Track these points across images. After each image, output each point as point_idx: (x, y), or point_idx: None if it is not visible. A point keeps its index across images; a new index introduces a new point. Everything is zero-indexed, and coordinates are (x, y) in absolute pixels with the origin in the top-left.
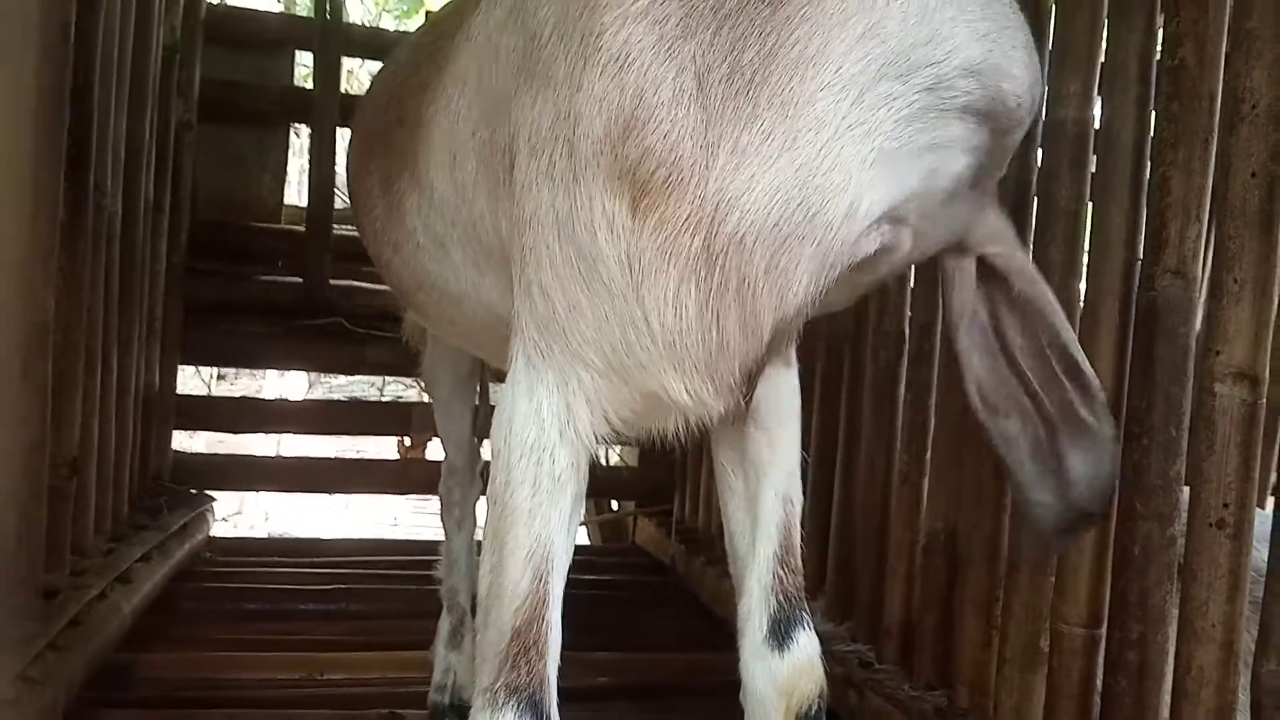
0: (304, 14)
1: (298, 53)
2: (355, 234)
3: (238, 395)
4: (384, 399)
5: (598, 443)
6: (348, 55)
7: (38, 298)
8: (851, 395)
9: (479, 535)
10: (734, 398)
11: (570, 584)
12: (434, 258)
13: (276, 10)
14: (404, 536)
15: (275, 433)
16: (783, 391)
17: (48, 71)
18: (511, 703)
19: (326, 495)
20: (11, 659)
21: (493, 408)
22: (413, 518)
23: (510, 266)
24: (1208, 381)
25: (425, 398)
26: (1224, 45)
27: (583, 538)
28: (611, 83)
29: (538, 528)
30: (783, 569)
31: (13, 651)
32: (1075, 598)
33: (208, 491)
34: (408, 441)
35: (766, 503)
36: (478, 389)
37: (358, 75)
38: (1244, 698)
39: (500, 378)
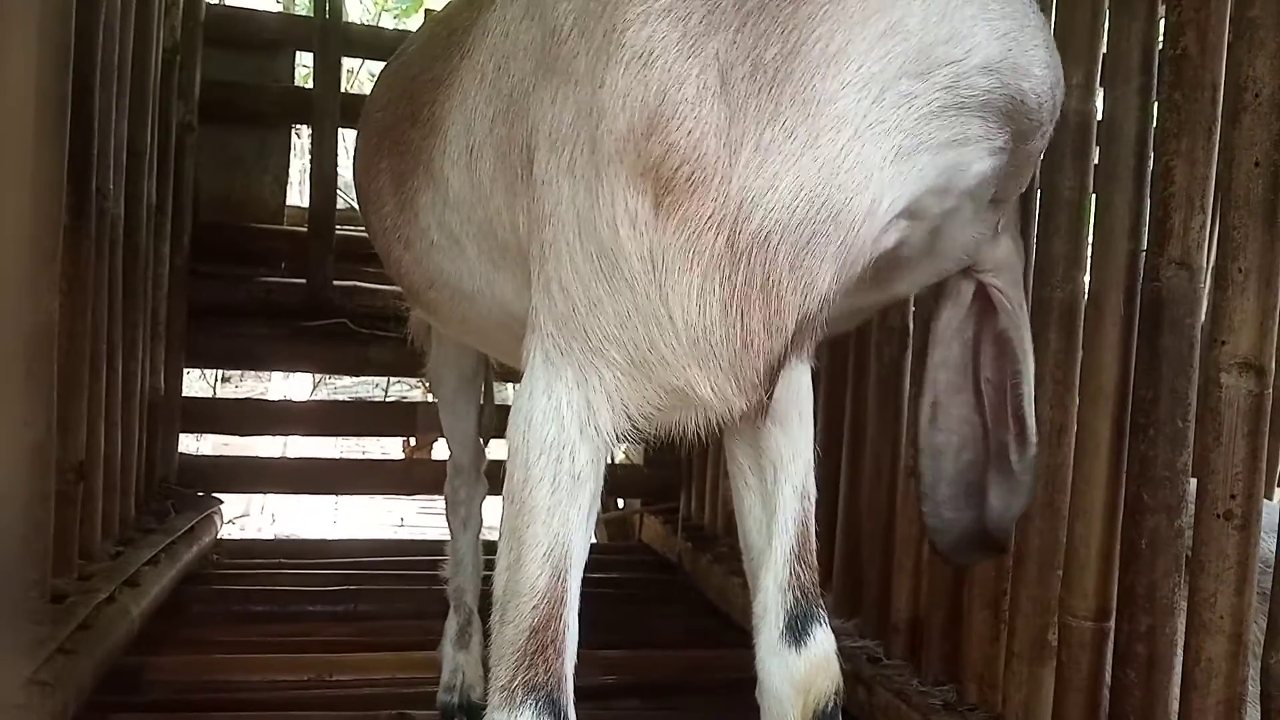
0: (303, 14)
1: (298, 53)
2: (358, 234)
3: (243, 397)
4: (388, 399)
5: (618, 440)
6: (348, 55)
7: (42, 302)
8: (856, 391)
9: (485, 534)
10: (757, 395)
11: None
12: (448, 255)
13: (275, 10)
14: (410, 537)
15: (280, 434)
16: (799, 386)
17: (49, 74)
18: (530, 701)
19: (332, 497)
20: (21, 663)
21: (497, 407)
22: (419, 518)
23: (527, 263)
24: (1213, 372)
25: (430, 398)
26: (1226, 34)
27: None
28: (635, 79)
29: (556, 526)
30: (799, 564)
31: (22, 656)
32: (1083, 591)
33: (214, 494)
34: (413, 442)
35: (784, 498)
36: (483, 388)
37: (358, 75)
38: (1253, 689)
39: (506, 376)
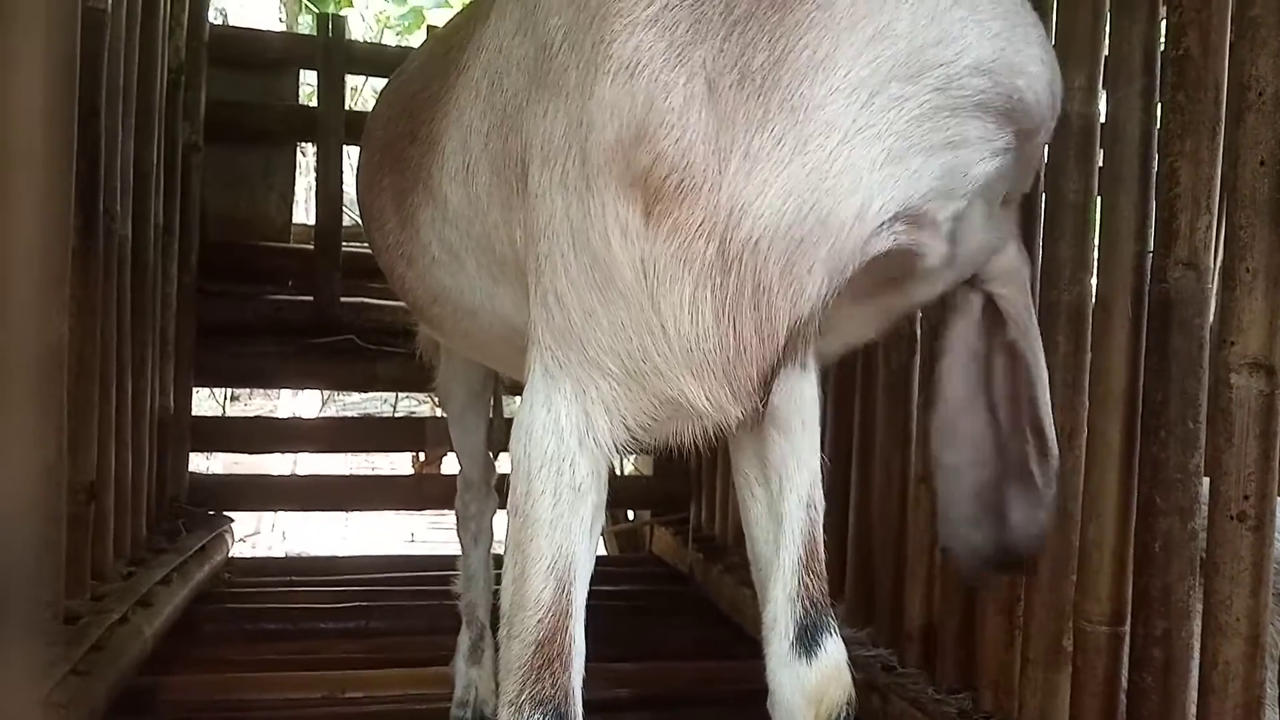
0: (307, 33)
1: (302, 71)
2: (364, 251)
3: (252, 415)
4: (397, 415)
5: (617, 451)
6: (351, 73)
7: (51, 323)
8: (865, 399)
9: (496, 549)
10: (752, 402)
11: (588, 595)
12: (448, 270)
13: (279, 30)
14: (421, 552)
15: (290, 452)
16: (803, 396)
17: (56, 98)
18: (537, 715)
19: (343, 514)
20: (35, 685)
21: (507, 421)
22: (429, 533)
23: (525, 277)
24: (1223, 373)
25: (439, 412)
26: (1228, 34)
27: (600, 549)
28: (622, 90)
29: (559, 538)
30: (808, 575)
31: (36, 678)
32: (1097, 595)
33: (225, 513)
34: (422, 457)
35: (790, 509)
36: (491, 402)
37: (362, 92)
38: (1272, 692)
39: (515, 390)
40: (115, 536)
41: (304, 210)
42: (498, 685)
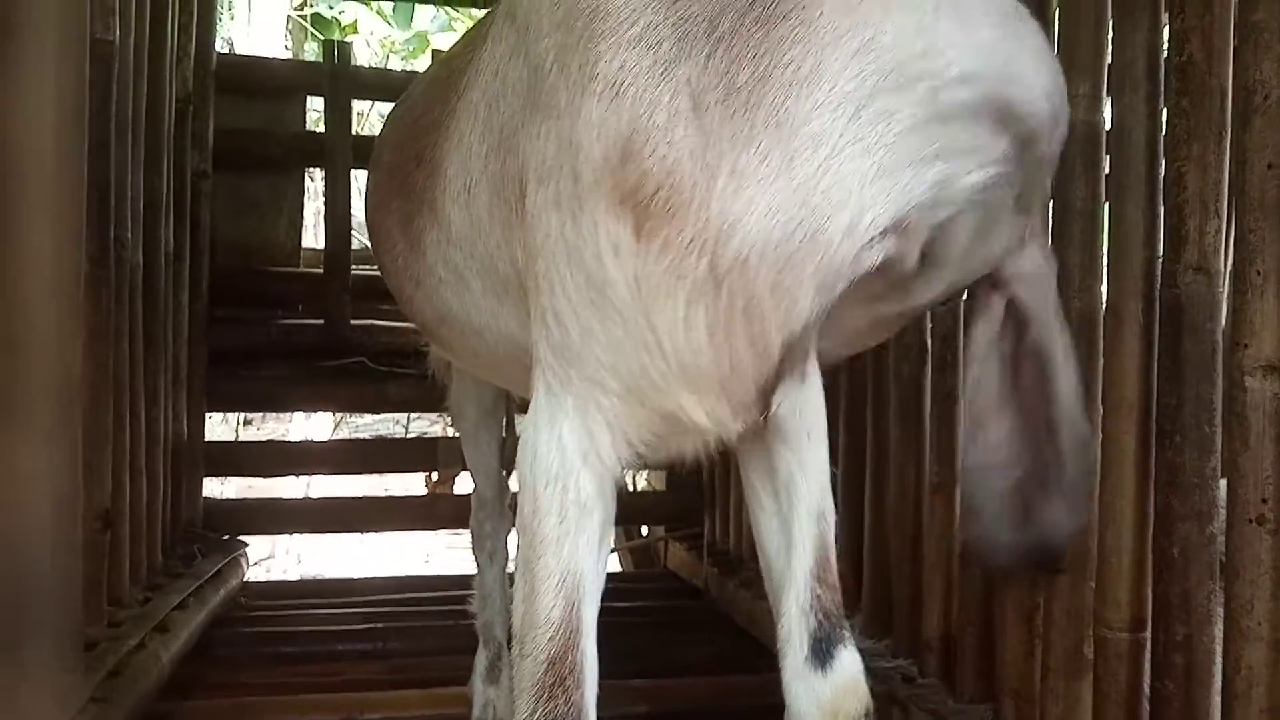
0: (313, 59)
1: (308, 97)
2: (373, 273)
3: (265, 439)
4: (409, 435)
5: (621, 467)
6: (358, 98)
7: (64, 353)
8: (877, 410)
9: (511, 567)
10: (751, 416)
11: (604, 612)
12: (454, 291)
13: (285, 58)
14: (437, 572)
15: (303, 474)
16: (808, 406)
17: (66, 131)
18: None
19: (358, 535)
20: (55, 713)
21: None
22: (445, 553)
23: (527, 296)
24: (1237, 376)
25: (451, 432)
26: (1232, 39)
27: (615, 565)
28: (608, 109)
29: (566, 556)
30: (821, 586)
31: (55, 706)
32: (1117, 601)
33: (240, 537)
34: (435, 477)
35: (801, 521)
36: (504, 420)
37: (368, 117)
38: None
39: (526, 409)
40: (131, 563)
41: (313, 235)
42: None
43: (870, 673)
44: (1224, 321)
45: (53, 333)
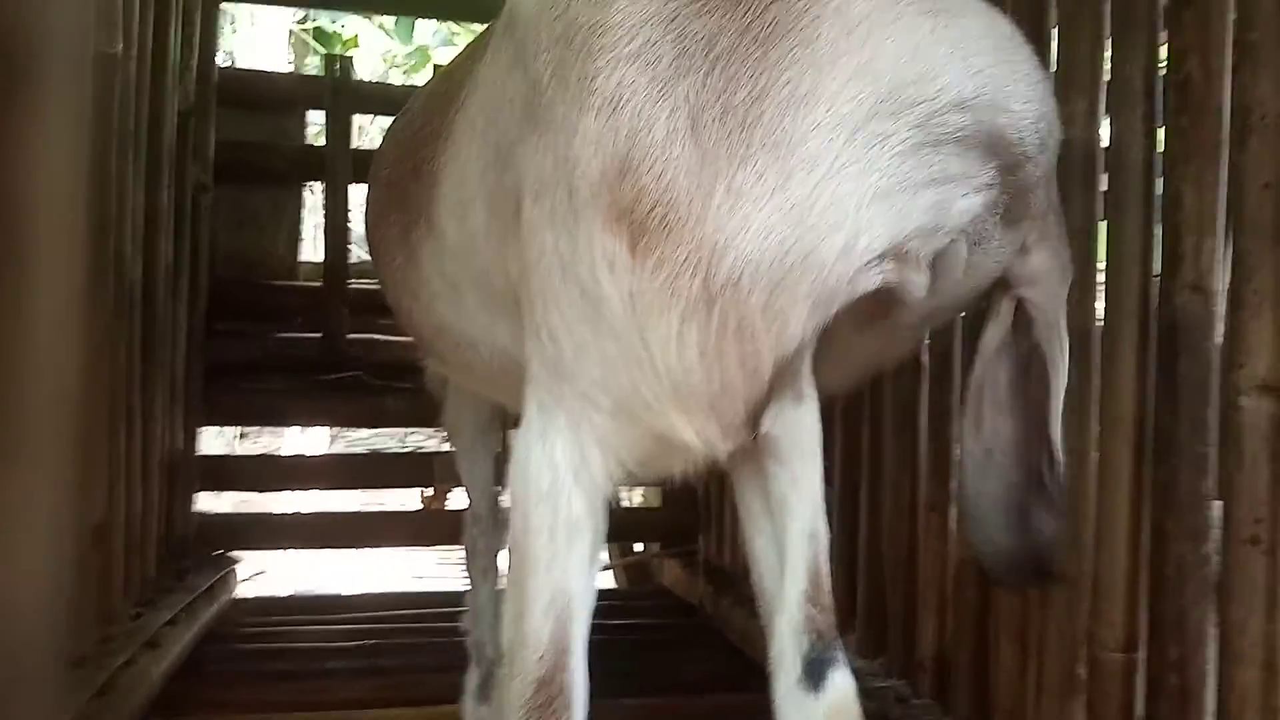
0: (314, 73)
1: (309, 111)
2: (372, 287)
3: (259, 453)
4: (404, 450)
5: (612, 486)
6: (359, 112)
7: (59, 370)
8: (873, 425)
9: (503, 584)
10: (740, 437)
11: (598, 629)
12: (450, 304)
13: (287, 71)
14: (429, 588)
15: (298, 489)
16: (802, 425)
17: (69, 148)
18: None
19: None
20: None
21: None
22: (438, 568)
23: (520, 310)
24: (1233, 396)
25: (446, 447)
26: (1229, 58)
27: (609, 582)
28: (606, 125)
29: (556, 575)
30: (813, 607)
31: None
32: (1111, 621)
33: (232, 552)
34: (429, 492)
35: (793, 541)
36: (500, 435)
37: (369, 131)
38: None
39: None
40: (124, 578)
41: (311, 247)
42: None
43: (863, 692)
44: (1220, 341)
45: (48, 351)
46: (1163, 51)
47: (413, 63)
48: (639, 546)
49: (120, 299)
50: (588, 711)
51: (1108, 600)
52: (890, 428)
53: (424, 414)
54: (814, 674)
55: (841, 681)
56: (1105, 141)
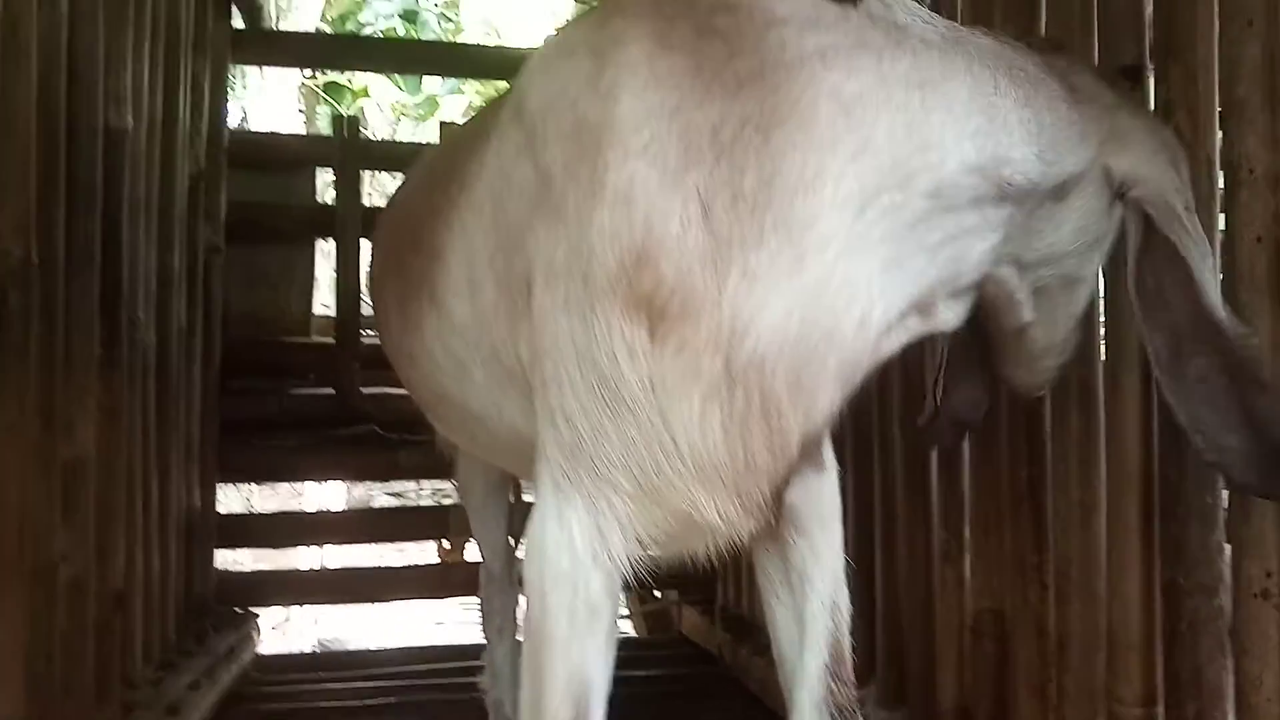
0: (324, 126)
1: (318, 169)
2: None
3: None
4: (422, 502)
5: (631, 567)
6: (367, 169)
7: (75, 437)
8: (884, 476)
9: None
10: (763, 515)
11: (618, 681)
12: (453, 377)
13: (296, 132)
14: (450, 637)
15: (316, 544)
16: (822, 494)
17: (79, 215)
18: None
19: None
20: None
21: (528, 505)
22: (460, 614)
23: (532, 391)
24: None
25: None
26: (1216, 113)
27: (629, 630)
28: (620, 217)
29: (575, 658)
30: (834, 681)
31: None
32: (1128, 676)
33: (252, 609)
34: (446, 544)
35: (814, 613)
36: (511, 491)
37: (378, 180)
38: None
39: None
40: (143, 642)
41: (324, 296)
42: None
43: None
44: None
45: (62, 418)
46: (1150, 104)
47: (422, 112)
48: (657, 594)
49: (134, 365)
50: None
51: (1124, 656)
52: (902, 477)
53: (437, 466)
54: None
55: None
56: None
